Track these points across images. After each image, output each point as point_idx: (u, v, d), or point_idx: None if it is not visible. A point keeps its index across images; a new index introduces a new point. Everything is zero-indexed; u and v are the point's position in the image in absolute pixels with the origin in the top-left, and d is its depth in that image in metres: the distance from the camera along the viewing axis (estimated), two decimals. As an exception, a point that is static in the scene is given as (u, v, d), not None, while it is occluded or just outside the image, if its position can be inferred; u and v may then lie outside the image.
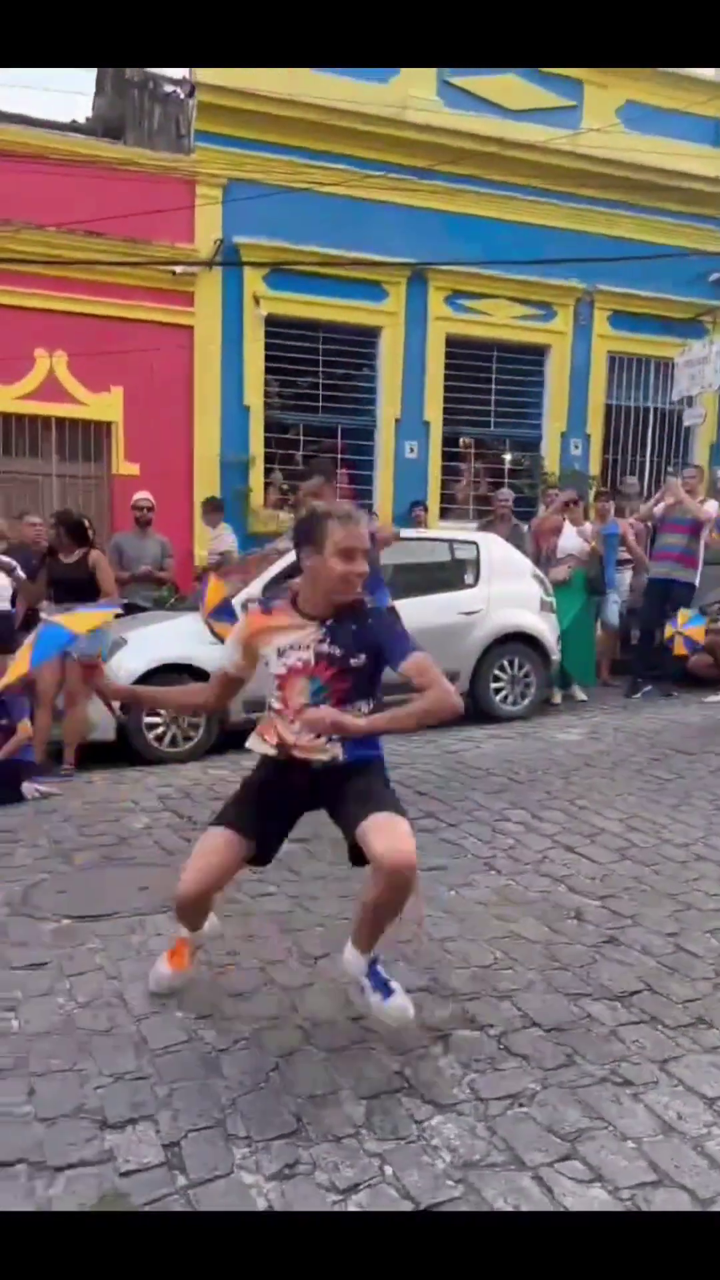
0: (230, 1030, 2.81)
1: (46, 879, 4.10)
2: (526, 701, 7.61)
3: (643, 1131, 2.38)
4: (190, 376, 10.05)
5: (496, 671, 7.52)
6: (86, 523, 6.55)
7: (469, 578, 7.64)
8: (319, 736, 2.66)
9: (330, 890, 3.84)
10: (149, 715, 6.38)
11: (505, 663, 7.56)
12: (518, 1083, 2.57)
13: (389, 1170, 2.24)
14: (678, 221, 11.54)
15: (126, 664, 6.34)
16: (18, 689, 5.79)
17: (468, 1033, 2.81)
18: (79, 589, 6.06)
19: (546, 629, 7.71)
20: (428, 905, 3.58)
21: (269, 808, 2.82)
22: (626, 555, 9.28)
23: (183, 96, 10.20)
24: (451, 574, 7.65)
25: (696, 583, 8.30)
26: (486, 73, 10.48)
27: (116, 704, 5.73)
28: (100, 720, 6.30)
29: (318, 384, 10.79)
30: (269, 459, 10.59)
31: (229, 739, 6.03)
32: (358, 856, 2.68)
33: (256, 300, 10.17)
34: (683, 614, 7.86)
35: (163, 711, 6.39)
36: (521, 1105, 2.48)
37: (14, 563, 6.59)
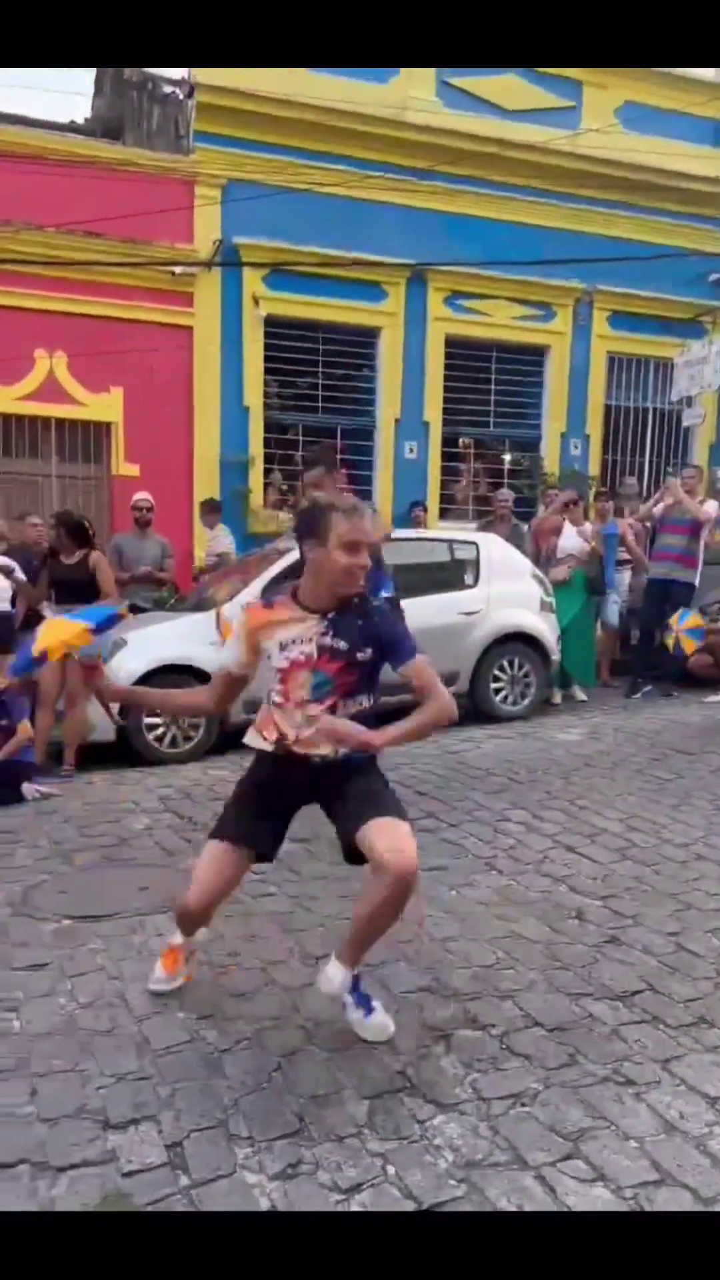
0: (232, 1030, 2.81)
1: (47, 880, 4.10)
2: (526, 702, 7.61)
3: (645, 1131, 2.38)
4: (190, 377, 10.05)
5: (496, 672, 7.53)
6: (86, 524, 6.55)
7: (469, 578, 7.64)
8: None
9: (331, 890, 3.84)
10: (149, 716, 6.38)
11: (505, 663, 7.56)
12: (520, 1082, 2.57)
13: (391, 1170, 2.24)
14: (677, 222, 11.55)
15: (127, 665, 6.33)
16: (18, 690, 5.80)
17: (470, 1032, 2.81)
18: (79, 590, 6.06)
19: (546, 629, 7.71)
20: (429, 905, 3.58)
21: (266, 809, 2.82)
22: (626, 555, 9.28)
23: (182, 97, 10.20)
24: (451, 574, 7.65)
25: (696, 583, 8.31)
26: (485, 73, 10.49)
27: (115, 706, 5.72)
28: (100, 721, 6.29)
29: (317, 384, 10.80)
30: (268, 459, 10.59)
31: (229, 739, 6.02)
32: (354, 855, 2.69)
33: (256, 301, 10.18)
34: (690, 620, 7.92)
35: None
36: (524, 1105, 2.48)
37: (13, 564, 6.60)
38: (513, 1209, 2.11)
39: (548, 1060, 2.67)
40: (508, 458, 11.79)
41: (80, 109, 21.97)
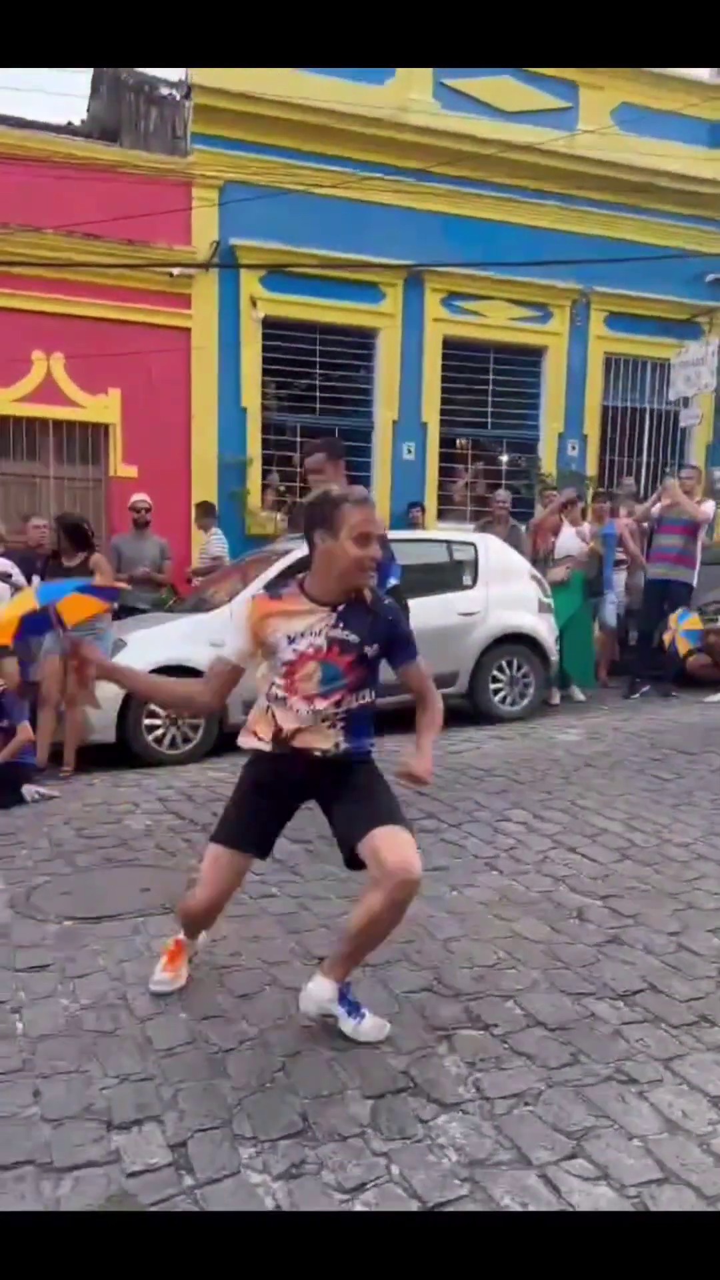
0: (235, 1031, 2.81)
1: (48, 881, 4.10)
2: (525, 702, 7.61)
3: (648, 1129, 2.39)
4: (188, 378, 10.05)
5: (495, 673, 7.53)
6: (86, 526, 6.55)
7: (467, 579, 7.65)
8: (330, 726, 2.66)
9: (332, 891, 3.84)
10: (148, 718, 6.38)
11: (504, 664, 7.57)
12: (523, 1081, 2.57)
13: (395, 1169, 2.24)
14: (674, 223, 11.56)
15: (128, 665, 6.32)
16: (17, 691, 5.80)
17: (472, 1032, 2.81)
18: (79, 591, 6.05)
19: (545, 630, 7.72)
20: (430, 906, 3.59)
21: (265, 810, 2.83)
22: (622, 556, 9.29)
23: (179, 98, 10.21)
24: (450, 575, 7.65)
25: (694, 583, 8.33)
26: (482, 75, 10.51)
27: (103, 691, 5.69)
28: (99, 722, 6.30)
29: (315, 385, 10.80)
30: (266, 460, 10.60)
31: (229, 740, 6.02)
32: (354, 861, 2.70)
33: (254, 302, 10.18)
34: (688, 622, 7.99)
35: (163, 712, 6.40)
36: (527, 1104, 2.48)
37: (11, 569, 6.57)
38: (517, 1208, 2.12)
39: (550, 1059, 2.67)
40: (505, 458, 11.80)
41: (77, 111, 21.97)
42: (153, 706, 6.36)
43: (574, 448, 11.75)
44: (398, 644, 2.72)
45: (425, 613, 6.71)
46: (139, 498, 8.66)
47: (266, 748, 2.72)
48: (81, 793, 5.57)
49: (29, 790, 5.50)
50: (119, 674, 2.97)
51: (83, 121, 11.78)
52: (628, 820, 4.71)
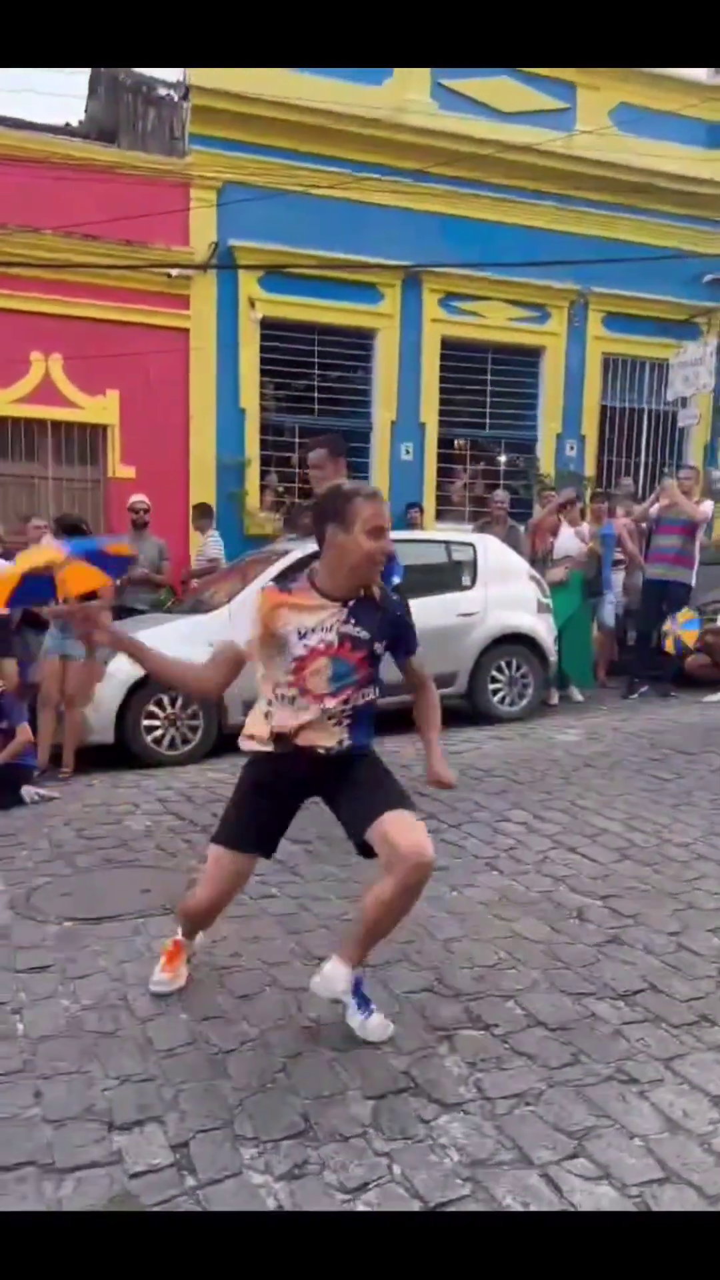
0: (235, 1032, 2.81)
1: (48, 882, 4.10)
2: (524, 703, 7.62)
3: (649, 1129, 2.39)
4: (186, 379, 10.05)
5: (494, 673, 7.53)
6: (85, 527, 6.55)
7: (466, 579, 7.65)
8: (336, 724, 2.66)
9: (332, 891, 3.85)
10: (147, 719, 6.38)
11: (503, 664, 7.57)
12: (524, 1081, 2.57)
13: (397, 1169, 2.24)
14: (671, 223, 11.56)
15: (127, 666, 6.31)
16: (16, 693, 5.80)
17: (473, 1032, 2.81)
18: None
19: (544, 630, 7.73)
20: (430, 906, 3.59)
21: (265, 810, 2.83)
22: (620, 556, 9.30)
23: (176, 99, 10.20)
24: (449, 576, 7.65)
25: (692, 583, 8.34)
26: (480, 75, 10.51)
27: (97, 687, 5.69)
28: (97, 723, 6.30)
29: (313, 386, 10.80)
30: (265, 461, 10.59)
31: (227, 741, 6.02)
32: (366, 849, 2.69)
33: (252, 303, 10.18)
34: (683, 614, 7.99)
35: (162, 713, 6.40)
36: (528, 1104, 2.48)
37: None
38: (519, 1208, 2.12)
39: (551, 1059, 2.67)
40: (503, 459, 11.80)
41: (75, 112, 21.97)
42: (151, 707, 6.37)
43: (572, 448, 11.75)
44: (403, 637, 2.78)
45: (424, 613, 6.66)
46: (137, 498, 8.66)
47: (269, 749, 2.70)
48: (81, 794, 5.57)
49: (28, 791, 5.50)
50: (128, 644, 2.87)
51: (80, 122, 11.77)
52: (627, 820, 4.71)
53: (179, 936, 3.08)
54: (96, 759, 6.29)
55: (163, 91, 10.45)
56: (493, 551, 7.83)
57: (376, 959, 3.02)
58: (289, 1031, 2.82)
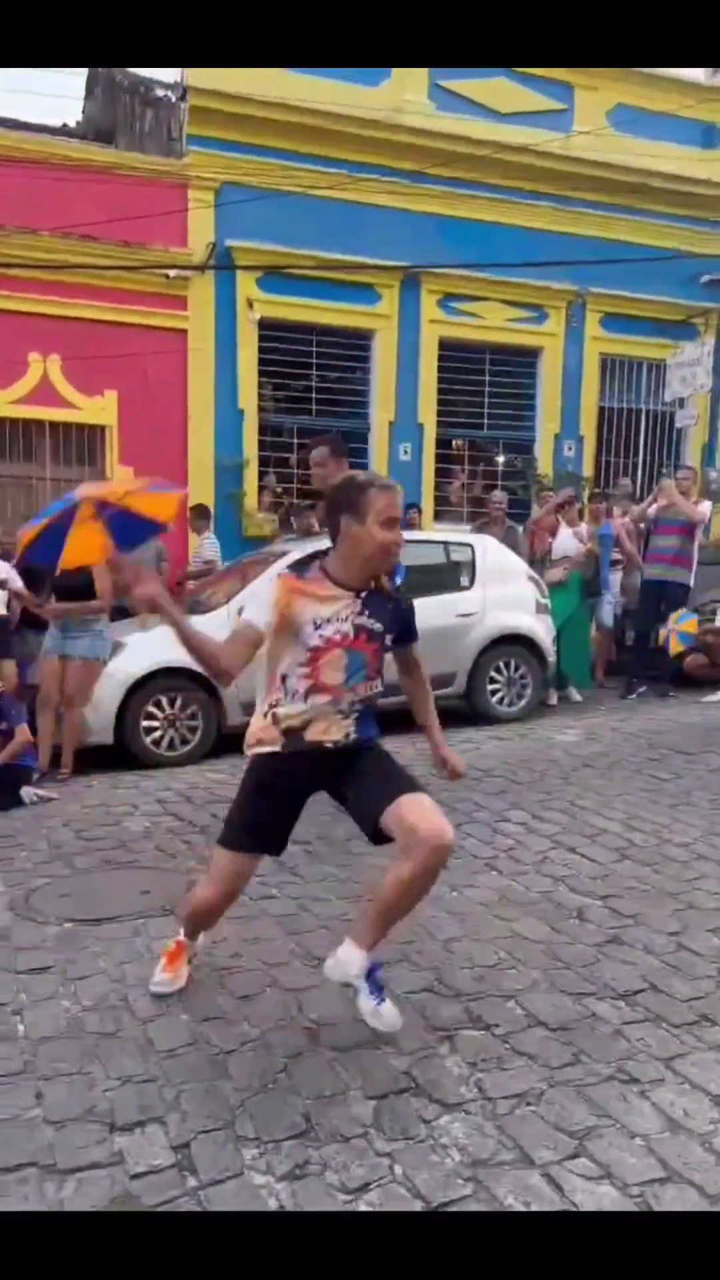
0: (236, 1032, 2.81)
1: (48, 883, 4.10)
2: (523, 703, 7.62)
3: (650, 1128, 2.39)
4: (184, 380, 10.04)
5: (493, 673, 7.53)
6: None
7: (465, 580, 7.65)
8: (345, 717, 2.66)
9: (332, 892, 3.85)
10: (146, 720, 6.37)
11: (501, 665, 7.57)
12: (525, 1081, 2.57)
13: (399, 1169, 2.24)
14: (669, 224, 11.58)
15: (126, 666, 6.34)
16: (16, 694, 5.80)
17: (473, 1032, 2.82)
18: (78, 594, 6.05)
19: (542, 631, 7.73)
20: (430, 906, 3.59)
21: (269, 812, 2.82)
22: (619, 556, 9.30)
23: (174, 100, 10.20)
24: (447, 576, 7.65)
25: (691, 583, 8.35)
26: (477, 76, 10.52)
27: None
28: (96, 724, 6.29)
29: (311, 387, 10.80)
30: (263, 462, 10.59)
31: (227, 742, 6.02)
32: (378, 836, 2.66)
33: (250, 304, 10.18)
34: (676, 618, 8.01)
35: (161, 714, 6.39)
36: (529, 1104, 2.48)
37: (7, 573, 6.54)
38: (520, 1208, 2.12)
39: (551, 1059, 2.68)
40: (501, 459, 11.81)
41: (72, 113, 21.96)
42: (150, 708, 6.37)
43: (570, 448, 11.76)
44: (407, 628, 2.83)
45: (423, 613, 6.58)
46: (136, 499, 8.64)
47: (277, 748, 2.69)
48: (80, 795, 5.57)
49: (27, 792, 5.50)
50: (166, 609, 2.71)
51: (78, 123, 11.76)
52: (627, 820, 4.71)
53: (181, 937, 3.08)
54: (95, 760, 6.28)
55: (160, 92, 10.44)
56: (491, 552, 7.83)
57: (376, 959, 3.01)
58: (290, 1032, 2.82)
